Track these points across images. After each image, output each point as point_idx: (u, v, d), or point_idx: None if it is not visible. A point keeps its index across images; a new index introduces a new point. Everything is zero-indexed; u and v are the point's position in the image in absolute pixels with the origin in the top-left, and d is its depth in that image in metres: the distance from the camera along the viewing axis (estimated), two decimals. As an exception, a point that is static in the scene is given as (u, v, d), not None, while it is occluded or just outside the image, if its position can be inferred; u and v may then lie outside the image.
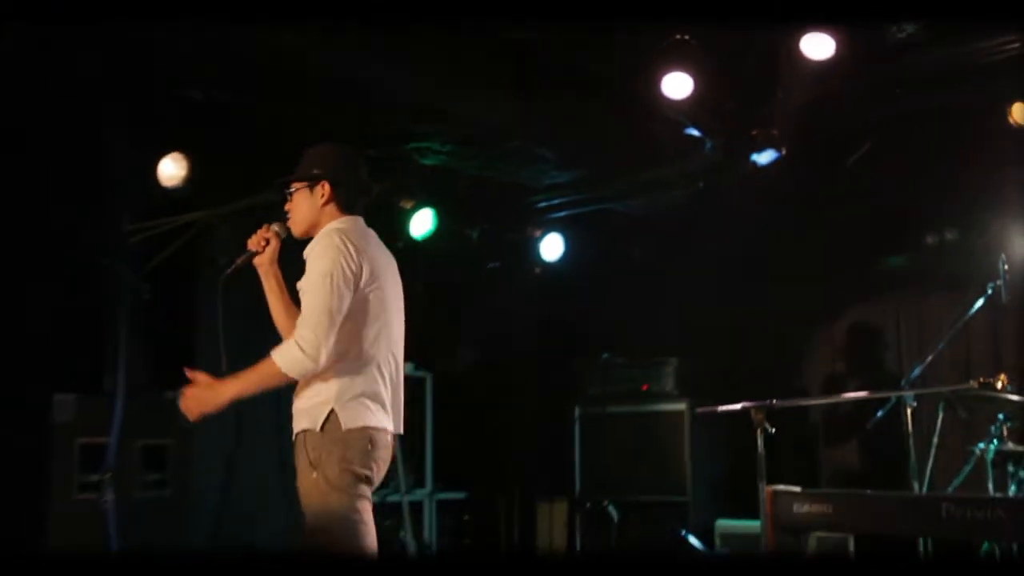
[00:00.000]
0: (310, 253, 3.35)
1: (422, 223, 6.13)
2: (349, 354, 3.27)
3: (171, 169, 4.85)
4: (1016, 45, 4.32)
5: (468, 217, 6.50)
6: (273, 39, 4.23)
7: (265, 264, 3.51)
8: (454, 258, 6.62)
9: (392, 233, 6.09)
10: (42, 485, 4.51)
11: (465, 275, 6.95)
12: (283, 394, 5.47)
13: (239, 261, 3.54)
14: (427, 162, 5.90)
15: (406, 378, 6.57)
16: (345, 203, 3.47)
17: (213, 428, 5.29)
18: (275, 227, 3.50)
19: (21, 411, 4.53)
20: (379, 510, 6.02)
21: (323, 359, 3.18)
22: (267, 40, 4.24)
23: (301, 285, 3.33)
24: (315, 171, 3.45)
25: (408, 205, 6.06)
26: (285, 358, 3.22)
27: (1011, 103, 4.77)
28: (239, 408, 5.30)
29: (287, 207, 3.50)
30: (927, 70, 4.75)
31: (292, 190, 3.47)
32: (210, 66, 4.41)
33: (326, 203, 3.44)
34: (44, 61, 4.06)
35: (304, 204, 3.45)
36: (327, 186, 3.43)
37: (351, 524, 3.23)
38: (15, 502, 4.45)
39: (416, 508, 6.36)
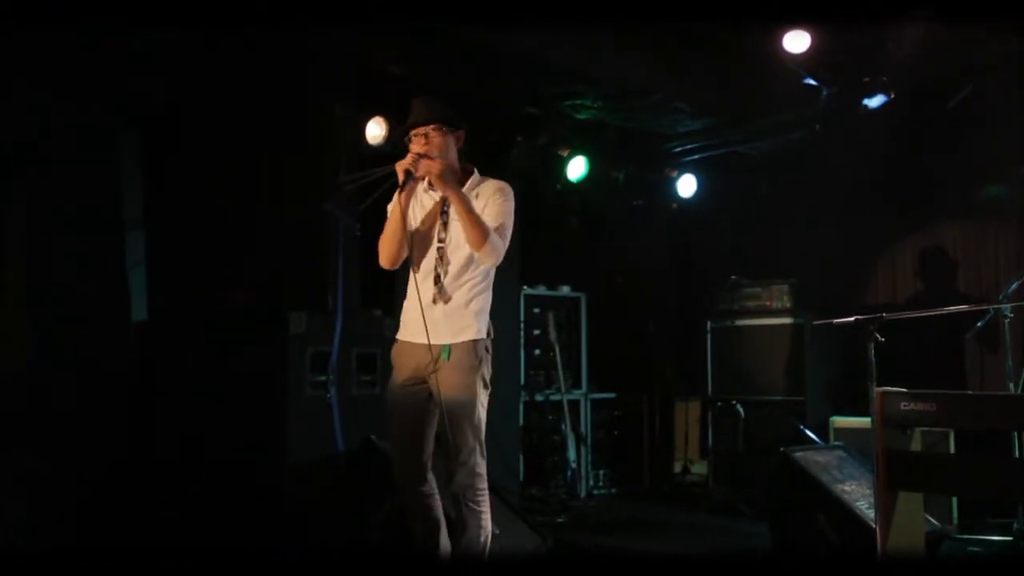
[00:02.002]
0: (486, 190, 3.38)
1: (577, 168, 6.16)
2: (489, 276, 3.41)
3: (375, 130, 4.94)
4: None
5: (615, 162, 6.48)
6: (443, 20, 4.29)
7: (435, 176, 3.28)
8: (604, 197, 6.64)
9: (552, 177, 6.23)
10: (282, 383, 4.64)
11: (613, 211, 6.94)
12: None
13: (403, 184, 3.31)
14: (580, 116, 5.90)
15: (566, 298, 6.80)
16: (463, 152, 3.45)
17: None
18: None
19: (266, 325, 4.70)
20: (543, 407, 6.32)
21: (496, 264, 3.33)
22: (438, 22, 4.30)
23: (479, 208, 3.29)
24: (457, 119, 3.38)
25: (565, 153, 6.10)
26: (493, 238, 3.24)
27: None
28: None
29: (423, 146, 3.31)
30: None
31: (430, 129, 3.33)
32: (405, 45, 4.53)
33: (460, 148, 3.45)
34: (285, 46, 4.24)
35: (450, 145, 3.36)
36: (462, 134, 3.42)
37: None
38: (263, 396, 4.66)
39: (574, 406, 6.47)
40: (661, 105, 5.79)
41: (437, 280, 3.32)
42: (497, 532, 3.92)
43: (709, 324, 6.42)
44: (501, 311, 6.04)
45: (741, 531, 5.32)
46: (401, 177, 3.27)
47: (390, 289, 5.50)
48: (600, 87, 5.54)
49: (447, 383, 3.24)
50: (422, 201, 3.41)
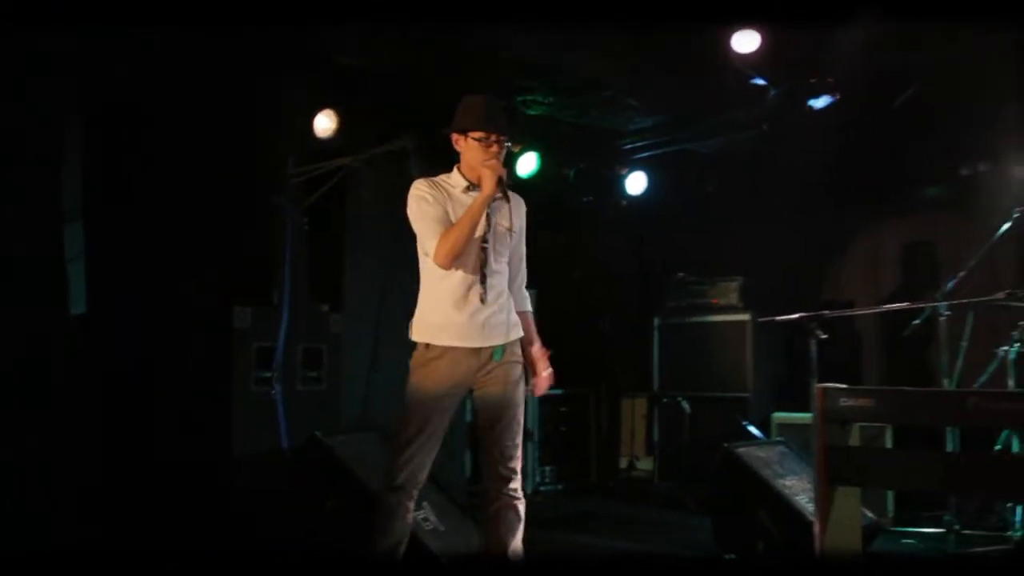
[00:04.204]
0: (520, 207, 3.42)
1: (528, 164, 6.20)
2: None
3: (325, 123, 4.95)
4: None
5: (566, 158, 6.54)
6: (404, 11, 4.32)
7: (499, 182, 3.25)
8: (554, 193, 6.68)
9: (503, 172, 6.27)
10: (227, 378, 4.65)
11: (563, 207, 7.02)
12: (415, 309, 5.79)
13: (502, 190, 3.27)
14: (532, 112, 5.96)
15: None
16: None
17: (357, 336, 5.59)
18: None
19: (211, 320, 4.71)
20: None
21: None
22: (398, 14, 4.34)
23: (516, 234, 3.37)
24: None
25: (516, 149, 6.09)
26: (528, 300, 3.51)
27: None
28: (377, 320, 5.64)
29: (499, 155, 3.28)
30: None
31: (503, 139, 3.29)
32: (358, 37, 4.54)
33: None
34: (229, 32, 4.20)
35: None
36: None
37: None
38: (207, 391, 4.67)
39: (521, 401, 6.57)
40: (612, 102, 5.89)
41: (484, 280, 3.29)
42: (443, 530, 3.99)
43: (656, 320, 6.55)
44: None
45: (686, 526, 5.46)
46: (493, 182, 3.20)
47: (338, 284, 5.55)
48: (552, 83, 5.60)
49: (507, 383, 3.27)
50: (462, 201, 3.29)
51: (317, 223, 5.16)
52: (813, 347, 3.93)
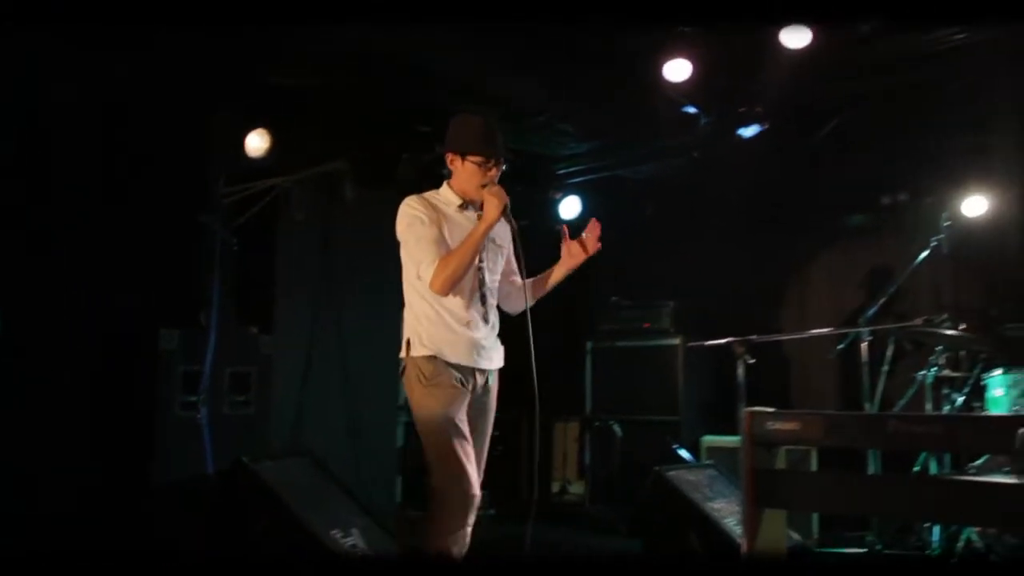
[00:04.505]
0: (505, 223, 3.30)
1: (461, 187, 6.24)
2: None
3: (256, 142, 4.92)
4: (959, 36, 4.41)
5: (501, 181, 6.58)
6: (339, 31, 4.32)
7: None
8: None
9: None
10: (151, 403, 4.56)
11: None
12: (347, 334, 5.73)
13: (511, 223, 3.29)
14: (467, 134, 6.00)
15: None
16: None
17: (288, 359, 5.52)
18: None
19: (135, 343, 4.62)
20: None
21: None
22: (333, 31, 4.33)
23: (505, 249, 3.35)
24: None
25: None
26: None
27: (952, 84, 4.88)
28: (310, 345, 5.57)
29: (495, 179, 3.28)
30: (887, 56, 4.83)
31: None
32: (287, 57, 4.51)
33: None
34: (161, 48, 4.17)
35: None
36: None
37: None
38: (131, 416, 4.57)
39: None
40: (547, 126, 5.95)
41: (484, 300, 3.28)
42: (372, 556, 3.94)
43: (589, 344, 6.59)
44: (385, 330, 6.14)
45: (616, 550, 5.47)
46: (499, 211, 3.16)
47: (268, 306, 5.47)
48: (488, 106, 5.63)
49: (490, 412, 3.29)
50: (458, 221, 3.26)
51: (248, 243, 5.12)
52: (741, 371, 4.03)
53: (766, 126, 5.53)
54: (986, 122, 5.25)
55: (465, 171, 3.25)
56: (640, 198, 6.95)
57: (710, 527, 4.33)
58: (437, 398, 3.13)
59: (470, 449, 3.16)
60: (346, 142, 5.23)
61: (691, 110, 5.58)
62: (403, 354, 3.24)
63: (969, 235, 5.28)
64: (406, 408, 6.21)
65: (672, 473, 4.65)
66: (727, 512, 4.44)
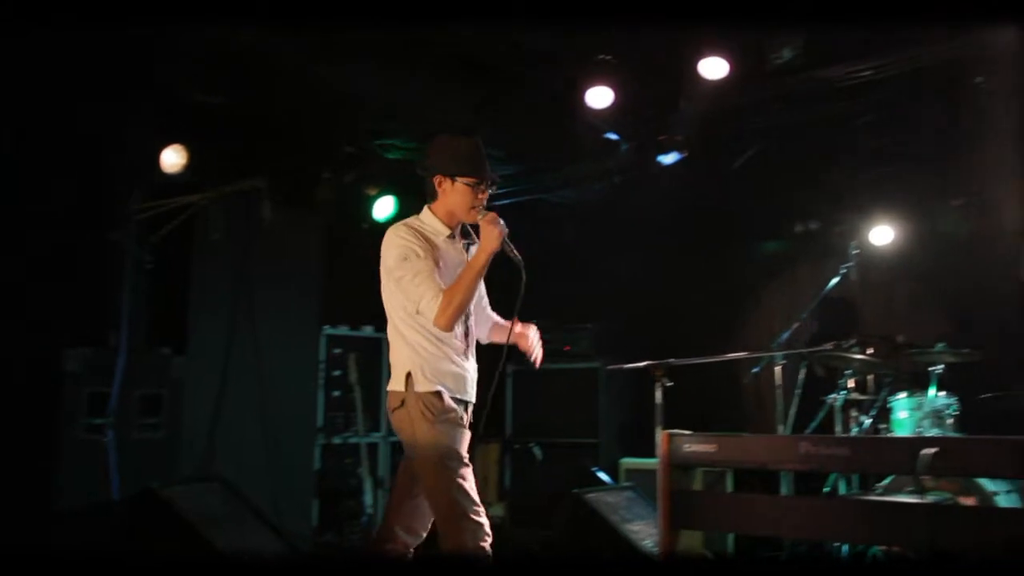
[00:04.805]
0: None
1: (385, 207, 6.16)
2: None
3: (172, 159, 4.83)
4: (867, 72, 4.60)
5: (423, 203, 6.56)
6: (264, 49, 4.28)
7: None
8: (411, 238, 6.71)
9: (359, 216, 6.23)
10: (56, 425, 4.46)
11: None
12: (264, 355, 5.62)
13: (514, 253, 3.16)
14: (391, 156, 5.97)
15: (369, 339, 6.73)
16: None
17: (201, 381, 5.39)
18: None
19: (39, 363, 4.50)
20: (341, 450, 6.24)
21: None
22: (258, 49, 4.29)
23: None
24: None
25: (373, 192, 6.10)
26: None
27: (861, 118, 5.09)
28: (225, 366, 5.45)
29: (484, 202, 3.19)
30: (800, 90, 5.01)
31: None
32: (208, 72, 4.44)
33: None
34: (72, 62, 4.07)
35: None
36: None
37: None
38: (33, 438, 4.44)
39: (372, 449, 6.41)
40: (470, 150, 5.96)
41: (468, 334, 3.18)
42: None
43: (510, 367, 6.60)
44: (303, 352, 6.05)
45: (537, 574, 5.45)
46: (498, 242, 3.06)
47: (181, 326, 5.34)
48: (411, 128, 5.64)
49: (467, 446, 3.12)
50: (448, 252, 3.16)
51: (162, 262, 5.02)
52: (659, 394, 4.06)
53: (685, 154, 5.66)
54: (892, 154, 5.48)
55: (456, 193, 3.14)
56: (561, 221, 7.01)
57: (628, 549, 4.36)
58: (447, 434, 3.02)
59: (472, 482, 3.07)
60: (265, 160, 5.15)
61: (612, 136, 5.67)
62: (399, 388, 3.06)
63: (876, 263, 5.49)
64: (325, 431, 6.21)
65: (591, 495, 4.68)
66: (645, 534, 4.49)
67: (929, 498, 4.08)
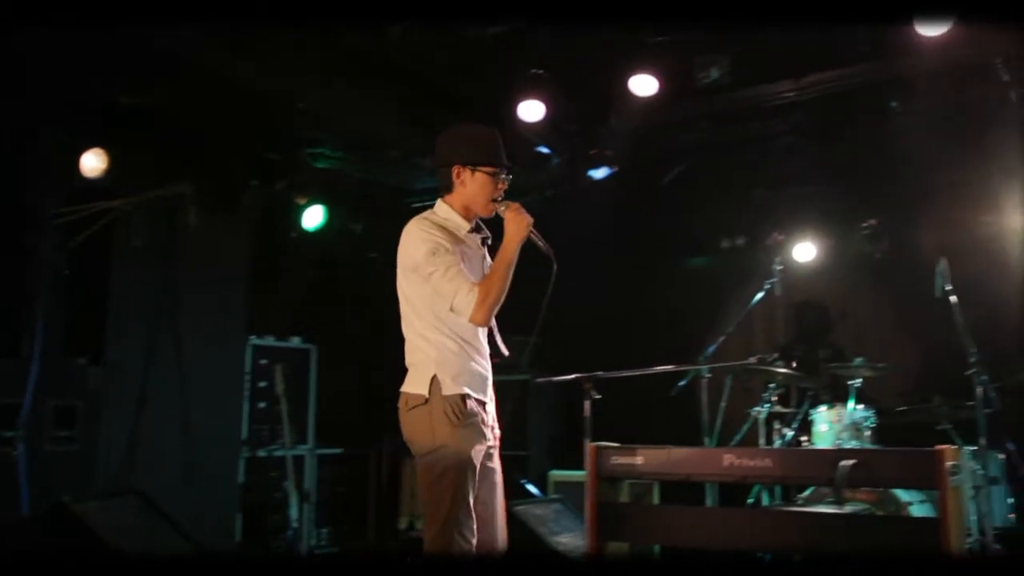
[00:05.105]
0: None
1: (314, 217, 6.12)
2: None
3: (93, 162, 4.71)
4: (790, 93, 4.74)
5: (354, 213, 6.51)
6: (191, 53, 4.20)
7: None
8: (341, 248, 6.63)
9: (288, 224, 6.15)
10: None
11: (350, 262, 6.95)
12: (187, 366, 5.50)
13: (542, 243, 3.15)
14: (320, 165, 5.91)
15: (296, 349, 6.62)
16: None
17: (120, 392, 5.24)
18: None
19: None
20: (266, 463, 6.13)
21: None
22: (184, 52, 4.21)
23: None
24: None
25: (302, 200, 6.03)
26: None
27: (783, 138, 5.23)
28: (145, 377, 5.31)
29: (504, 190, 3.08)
30: (727, 109, 5.12)
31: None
32: (131, 73, 4.34)
33: None
34: None
35: None
36: None
37: None
38: None
39: (298, 462, 6.32)
40: (400, 160, 5.95)
41: (491, 333, 3.10)
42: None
43: (441, 379, 6.55)
44: (225, 362, 5.93)
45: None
46: (526, 232, 3.03)
47: (99, 335, 5.18)
48: (341, 137, 5.60)
49: (496, 442, 3.05)
50: (470, 246, 3.07)
51: (80, 269, 4.89)
52: (587, 407, 4.05)
53: (615, 169, 5.73)
54: (813, 174, 5.64)
55: (475, 183, 3.03)
56: (493, 234, 7.02)
57: (556, 562, 4.36)
58: (469, 440, 2.92)
59: (487, 502, 3.02)
60: (190, 166, 5.04)
61: (543, 150, 5.71)
62: (422, 391, 2.95)
63: (799, 279, 5.62)
64: (249, 443, 6.08)
65: (519, 508, 4.67)
66: (572, 546, 4.50)
67: (847, 508, 4.19)
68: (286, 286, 6.64)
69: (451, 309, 2.95)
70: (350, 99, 5.11)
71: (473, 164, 3.03)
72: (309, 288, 7.00)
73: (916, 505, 4.43)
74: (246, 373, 6.09)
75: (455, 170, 3.05)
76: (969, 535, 3.75)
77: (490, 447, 3.06)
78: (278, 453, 6.14)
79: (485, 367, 3.08)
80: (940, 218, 5.50)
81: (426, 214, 3.09)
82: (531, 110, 5.11)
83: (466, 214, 3.10)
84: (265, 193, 5.77)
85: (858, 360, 4.94)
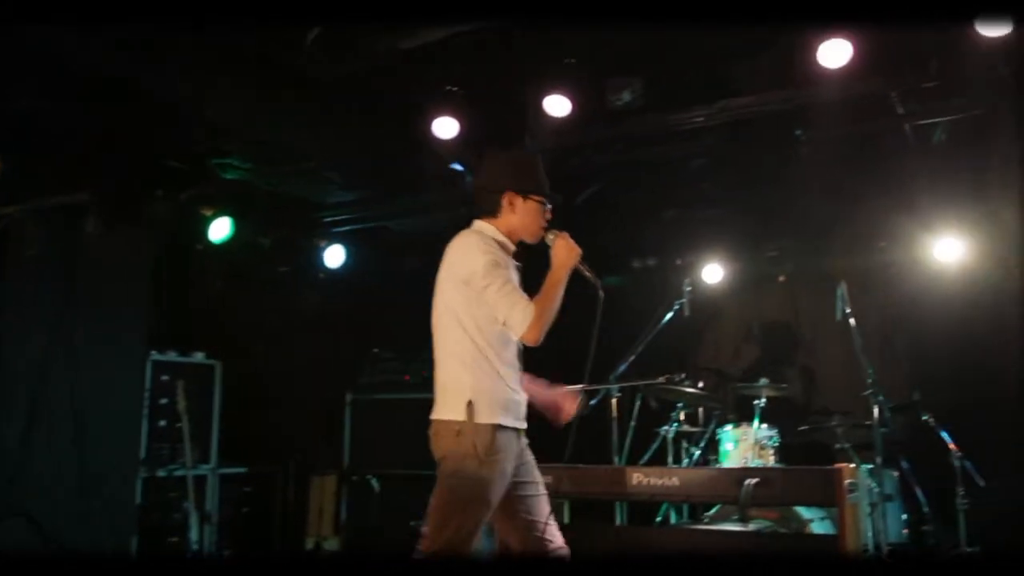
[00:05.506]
0: None
1: (221, 229, 5.98)
2: None
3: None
4: (701, 118, 4.85)
5: (263, 226, 6.39)
6: (91, 55, 4.07)
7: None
8: (249, 261, 6.48)
9: (193, 236, 5.99)
10: None
11: (258, 276, 6.80)
12: (83, 382, 5.29)
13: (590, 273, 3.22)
14: (228, 176, 5.77)
15: (199, 365, 6.45)
16: None
17: (9, 408, 5.00)
18: None
19: None
20: (166, 483, 5.93)
21: None
22: (85, 55, 4.08)
23: None
24: None
25: (209, 212, 5.89)
26: None
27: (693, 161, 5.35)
28: (36, 393, 5.09)
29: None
30: (639, 131, 5.21)
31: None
32: (29, 76, 4.18)
33: None
34: None
35: None
36: None
37: None
38: None
39: (200, 481, 6.14)
40: (312, 173, 5.87)
41: (520, 355, 3.09)
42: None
43: (349, 396, 6.49)
44: (123, 377, 5.73)
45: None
46: (575, 260, 3.07)
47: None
48: (250, 148, 5.49)
49: (535, 465, 3.04)
50: (514, 270, 3.08)
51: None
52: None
53: (530, 187, 5.74)
54: (721, 198, 5.79)
55: (527, 211, 3.07)
56: (405, 250, 6.99)
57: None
58: (491, 478, 2.90)
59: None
60: (91, 175, 4.87)
61: (458, 167, 5.71)
62: (457, 416, 2.93)
63: (707, 300, 5.75)
64: (148, 463, 5.87)
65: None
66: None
67: (752, 526, 4.30)
68: (191, 299, 6.47)
69: (503, 323, 2.94)
70: (260, 109, 5.01)
71: (525, 192, 3.07)
72: (215, 302, 6.83)
73: (817, 522, 4.56)
74: (146, 389, 5.89)
75: (507, 196, 3.07)
76: (866, 550, 3.87)
77: (523, 464, 3.05)
78: (178, 473, 5.94)
79: (522, 394, 3.08)
80: (841, 244, 5.71)
81: (478, 230, 3.10)
82: (445, 127, 5.10)
83: (514, 238, 3.13)
84: (170, 204, 5.61)
85: (763, 380, 5.08)
